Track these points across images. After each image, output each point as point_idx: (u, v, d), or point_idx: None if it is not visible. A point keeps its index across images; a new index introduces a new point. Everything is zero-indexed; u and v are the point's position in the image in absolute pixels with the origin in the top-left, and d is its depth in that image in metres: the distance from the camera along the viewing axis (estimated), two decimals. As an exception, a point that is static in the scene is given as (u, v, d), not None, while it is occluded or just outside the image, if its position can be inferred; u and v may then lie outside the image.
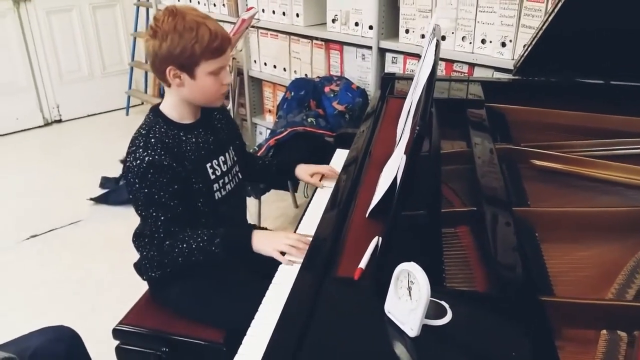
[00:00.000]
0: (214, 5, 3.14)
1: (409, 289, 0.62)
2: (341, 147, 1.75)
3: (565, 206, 1.10)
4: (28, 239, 2.58)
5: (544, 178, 1.22)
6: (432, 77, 0.77)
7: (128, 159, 1.22)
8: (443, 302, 0.66)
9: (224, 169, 1.37)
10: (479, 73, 1.99)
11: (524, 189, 1.13)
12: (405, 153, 0.76)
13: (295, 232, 1.26)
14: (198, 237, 1.24)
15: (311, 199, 1.46)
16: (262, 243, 1.19)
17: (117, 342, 1.37)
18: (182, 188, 1.26)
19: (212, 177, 1.33)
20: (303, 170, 1.54)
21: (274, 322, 0.95)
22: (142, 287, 1.46)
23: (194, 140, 1.30)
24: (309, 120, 2.34)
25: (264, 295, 1.05)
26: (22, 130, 3.94)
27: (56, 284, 2.25)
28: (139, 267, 1.44)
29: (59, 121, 4.14)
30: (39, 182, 3.18)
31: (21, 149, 3.68)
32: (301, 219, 1.34)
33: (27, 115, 3.97)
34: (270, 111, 3.08)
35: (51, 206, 2.87)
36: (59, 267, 2.37)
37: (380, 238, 0.80)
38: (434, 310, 0.66)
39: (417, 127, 0.67)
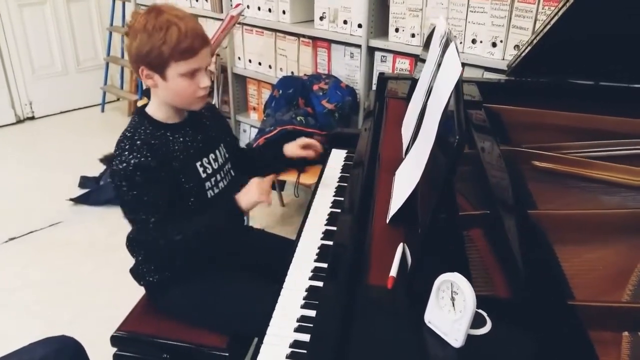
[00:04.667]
0: (196, 0, 3.07)
1: (452, 299, 0.62)
2: (336, 147, 1.75)
3: (569, 208, 1.12)
4: (6, 241, 2.49)
5: (544, 179, 1.24)
6: (459, 85, 0.77)
7: (114, 163, 1.20)
8: (481, 311, 0.67)
9: (215, 167, 1.35)
10: (469, 73, 2.01)
11: (530, 191, 1.15)
12: (431, 161, 0.76)
13: (300, 233, 1.26)
14: (190, 225, 1.24)
15: (312, 199, 1.44)
16: (246, 200, 1.26)
17: (114, 349, 1.34)
18: (171, 189, 1.24)
19: (203, 175, 1.31)
20: (291, 147, 1.51)
21: (291, 329, 0.95)
22: (132, 289, 1.42)
23: (181, 139, 1.28)
24: (298, 118, 2.32)
25: (268, 299, 1.04)
26: (-8, 128, 3.80)
27: (40, 288, 2.18)
28: (135, 273, 1.40)
29: (32, 118, 4.00)
30: (14, 182, 3.07)
31: (-7, 147, 3.55)
32: (304, 220, 1.33)
33: (-2, 112, 3.82)
34: (254, 109, 3.05)
35: (29, 207, 2.78)
36: (42, 270, 2.30)
37: (406, 245, 0.80)
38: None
39: (457, 137, 0.66)
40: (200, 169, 1.31)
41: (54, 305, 2.08)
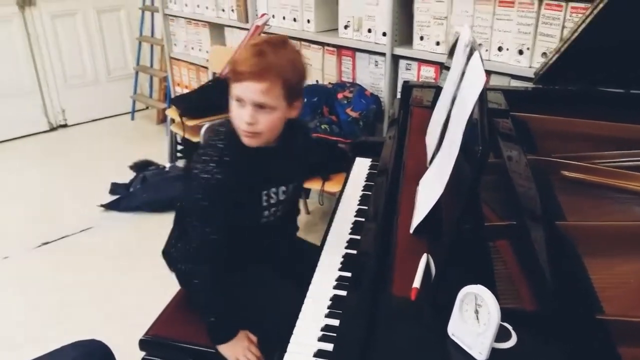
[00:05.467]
0: (223, 10, 3.13)
1: (476, 312, 0.62)
2: (360, 155, 1.75)
3: (599, 219, 1.10)
4: (40, 246, 2.57)
5: (573, 190, 1.22)
6: (483, 94, 0.77)
7: (198, 166, 1.19)
8: (506, 324, 0.66)
9: (281, 199, 1.32)
10: (495, 81, 1.99)
11: (559, 202, 1.13)
12: (455, 171, 0.76)
13: (324, 241, 1.26)
14: (211, 298, 1.27)
15: (336, 207, 1.45)
16: (227, 347, 1.26)
17: (142, 353, 1.37)
18: (235, 207, 1.24)
19: (265, 204, 1.29)
20: None
21: (315, 338, 0.95)
22: (161, 295, 1.45)
23: (261, 166, 1.24)
24: (323, 126, 2.33)
25: (295, 303, 1.05)
26: (27, 135, 3.93)
27: (71, 291, 2.24)
28: (168, 256, 1.44)
29: (64, 126, 4.13)
30: (47, 188, 3.16)
31: (27, 154, 3.67)
32: (328, 228, 1.33)
33: (32, 120, 3.95)
34: (279, 117, 3.07)
35: (61, 213, 2.86)
36: (73, 274, 2.36)
37: (429, 256, 0.80)
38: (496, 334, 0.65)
39: (481, 147, 0.66)
40: (264, 198, 1.28)
41: (84, 308, 2.13)
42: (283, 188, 1.31)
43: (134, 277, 2.30)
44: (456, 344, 0.65)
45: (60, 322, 2.05)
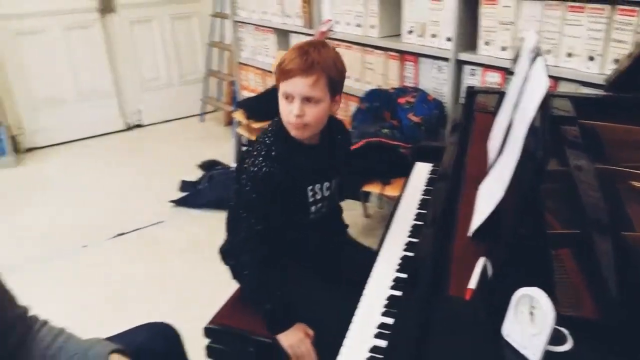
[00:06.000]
0: (289, 16, 3.22)
1: (531, 313, 0.63)
2: (421, 160, 1.76)
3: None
4: (115, 237, 2.76)
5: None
6: (545, 100, 0.78)
7: (248, 161, 1.31)
8: (563, 329, 0.67)
9: (325, 195, 1.40)
10: (565, 87, 1.94)
11: (627, 212, 1.10)
12: (515, 177, 0.77)
13: (382, 243, 1.30)
14: (262, 287, 1.35)
15: (395, 210, 1.47)
16: (284, 337, 1.31)
17: (207, 341, 1.45)
18: (283, 203, 1.32)
19: (310, 199, 1.38)
20: None
21: (371, 335, 0.99)
22: (226, 286, 1.53)
23: (306, 162, 1.33)
24: (384, 131, 2.35)
25: (347, 303, 1.09)
26: (105, 134, 4.21)
27: (143, 280, 2.40)
28: (224, 252, 1.52)
29: (139, 126, 4.39)
30: (122, 183, 3.39)
31: (105, 152, 3.94)
32: (386, 230, 1.36)
33: (110, 120, 4.24)
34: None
35: (135, 207, 3.06)
36: (145, 264, 2.53)
37: (488, 259, 0.81)
38: (551, 336, 0.66)
39: (541, 153, 0.67)
40: (310, 193, 1.37)
41: (153, 296, 2.28)
42: (327, 184, 1.39)
43: (200, 268, 2.42)
44: (510, 344, 0.67)
45: (130, 307, 2.21)
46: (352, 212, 2.87)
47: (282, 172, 1.27)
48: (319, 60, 1.21)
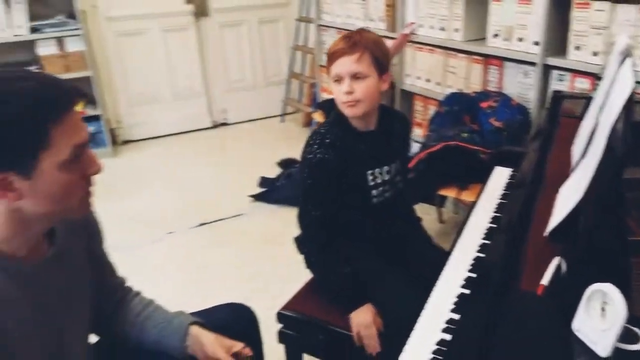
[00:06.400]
0: (372, 20, 3.27)
1: (602, 309, 0.63)
2: (501, 165, 1.74)
3: None
4: (198, 225, 2.94)
5: None
6: (629, 101, 0.77)
7: (306, 150, 1.40)
8: (635, 329, 0.66)
9: (386, 179, 1.45)
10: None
11: None
12: (596, 178, 0.76)
13: (455, 243, 1.30)
14: (329, 270, 1.41)
15: (468, 215, 1.47)
16: (356, 321, 1.34)
17: (279, 326, 1.53)
18: (340, 190, 1.39)
19: (371, 183, 1.43)
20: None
21: (439, 329, 1.01)
22: (300, 276, 1.59)
23: (363, 147, 1.41)
24: (463, 135, 2.33)
25: (417, 288, 1.11)
26: (193, 131, 4.47)
27: (222, 267, 2.55)
28: (298, 241, 1.56)
29: (225, 124, 4.62)
30: (207, 176, 3.60)
31: (192, 147, 4.19)
32: (460, 231, 1.37)
33: (198, 118, 4.50)
34: (420, 124, 3.12)
35: (217, 199, 3.24)
36: (224, 253, 2.67)
37: (562, 258, 0.81)
38: (623, 335, 0.65)
39: (621, 154, 0.67)
40: (370, 177, 1.43)
41: (230, 282, 2.41)
42: (386, 168, 1.44)
43: (276, 259, 2.53)
44: (579, 339, 0.66)
45: (210, 290, 2.35)
46: (426, 217, 2.84)
47: (336, 159, 1.34)
48: (361, 39, 1.31)
